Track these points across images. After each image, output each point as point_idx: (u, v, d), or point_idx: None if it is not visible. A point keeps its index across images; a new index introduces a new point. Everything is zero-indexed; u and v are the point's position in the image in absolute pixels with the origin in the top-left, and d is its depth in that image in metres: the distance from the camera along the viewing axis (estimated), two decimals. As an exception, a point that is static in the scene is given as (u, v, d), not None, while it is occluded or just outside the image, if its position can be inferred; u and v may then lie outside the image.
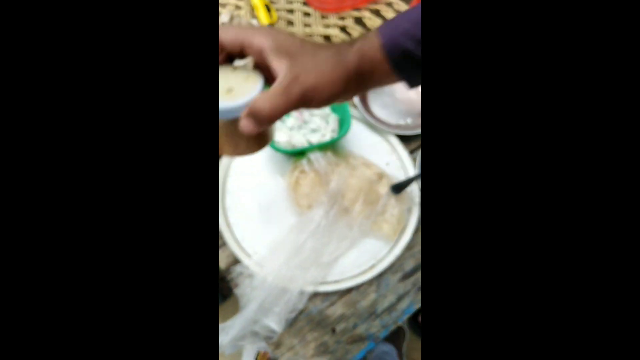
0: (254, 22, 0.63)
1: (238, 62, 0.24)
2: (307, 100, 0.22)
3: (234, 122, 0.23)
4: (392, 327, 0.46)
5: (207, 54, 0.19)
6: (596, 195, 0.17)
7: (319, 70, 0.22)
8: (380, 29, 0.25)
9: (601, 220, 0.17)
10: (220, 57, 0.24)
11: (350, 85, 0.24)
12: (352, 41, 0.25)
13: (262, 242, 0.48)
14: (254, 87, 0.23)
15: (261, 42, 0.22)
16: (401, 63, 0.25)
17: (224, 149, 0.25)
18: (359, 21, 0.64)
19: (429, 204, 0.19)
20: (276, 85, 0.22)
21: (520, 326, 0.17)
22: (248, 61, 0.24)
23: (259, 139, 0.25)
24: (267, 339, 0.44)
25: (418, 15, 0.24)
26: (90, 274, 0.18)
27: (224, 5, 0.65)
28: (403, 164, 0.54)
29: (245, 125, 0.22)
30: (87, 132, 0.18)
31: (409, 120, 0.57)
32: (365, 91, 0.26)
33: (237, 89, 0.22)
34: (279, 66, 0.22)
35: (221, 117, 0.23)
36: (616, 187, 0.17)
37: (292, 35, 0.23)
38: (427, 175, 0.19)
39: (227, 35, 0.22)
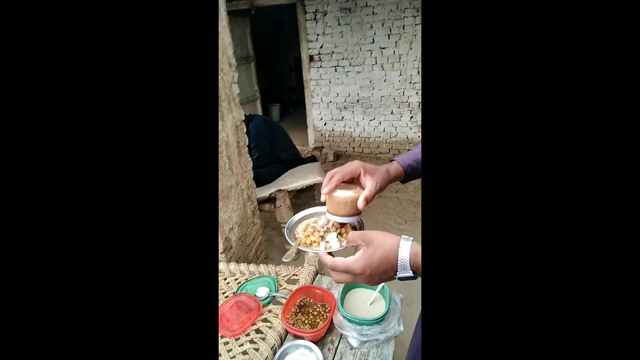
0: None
1: (345, 193, 0.56)
2: (380, 189, 0.54)
3: (348, 201, 0.54)
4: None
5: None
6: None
7: (383, 178, 0.55)
8: (397, 158, 0.61)
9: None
10: (336, 182, 0.55)
11: (390, 181, 0.57)
12: (389, 165, 0.59)
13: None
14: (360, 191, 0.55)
15: (360, 168, 0.54)
16: (408, 170, 0.60)
17: (334, 210, 0.56)
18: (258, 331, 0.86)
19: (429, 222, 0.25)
20: (369, 188, 0.53)
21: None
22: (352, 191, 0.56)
23: (356, 209, 0.54)
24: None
25: (417, 151, 0.61)
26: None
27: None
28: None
29: (361, 203, 0.52)
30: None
31: None
32: (390, 183, 0.61)
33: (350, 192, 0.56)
34: (367, 179, 0.54)
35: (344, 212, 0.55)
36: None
37: (371, 164, 0.56)
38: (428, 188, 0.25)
39: (350, 168, 0.55)
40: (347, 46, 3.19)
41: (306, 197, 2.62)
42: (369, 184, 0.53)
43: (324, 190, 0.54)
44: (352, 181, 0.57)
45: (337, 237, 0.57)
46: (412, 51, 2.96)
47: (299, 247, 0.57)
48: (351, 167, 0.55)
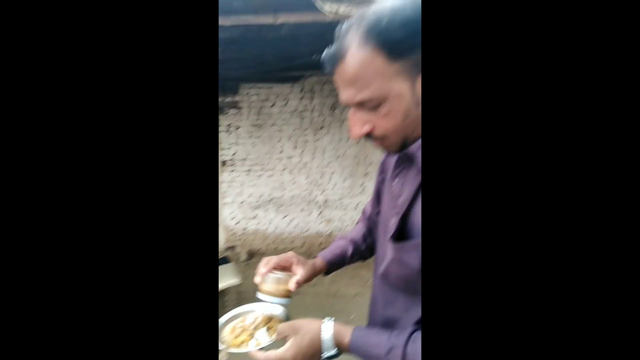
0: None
1: (279, 274, 0.62)
2: (309, 278, 0.63)
3: (281, 282, 0.60)
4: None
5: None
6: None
7: (312, 269, 0.64)
8: (319, 255, 0.70)
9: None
10: (269, 268, 0.62)
11: (316, 274, 0.65)
12: (314, 260, 0.67)
13: None
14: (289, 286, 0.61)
15: (293, 258, 0.63)
16: (330, 264, 0.69)
17: (268, 290, 0.61)
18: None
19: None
20: (301, 273, 0.61)
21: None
22: (284, 274, 0.62)
23: (288, 291, 0.61)
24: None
25: (333, 247, 0.72)
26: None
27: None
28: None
29: (293, 285, 0.59)
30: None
31: None
32: (316, 276, 0.67)
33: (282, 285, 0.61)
34: (299, 268, 0.62)
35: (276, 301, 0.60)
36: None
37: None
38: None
39: (285, 256, 0.63)
40: (258, 155, 3.59)
41: (219, 304, 2.38)
42: (300, 271, 0.62)
43: (261, 270, 0.62)
44: (285, 269, 0.66)
45: (266, 331, 0.62)
46: (315, 159, 3.55)
47: (229, 350, 0.58)
48: (286, 255, 0.65)
